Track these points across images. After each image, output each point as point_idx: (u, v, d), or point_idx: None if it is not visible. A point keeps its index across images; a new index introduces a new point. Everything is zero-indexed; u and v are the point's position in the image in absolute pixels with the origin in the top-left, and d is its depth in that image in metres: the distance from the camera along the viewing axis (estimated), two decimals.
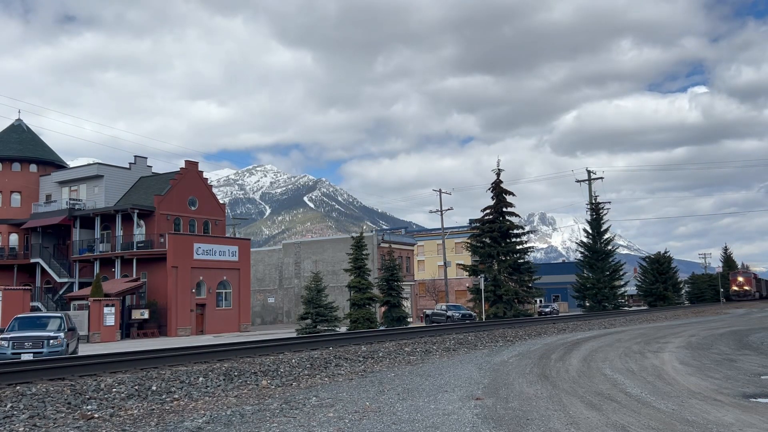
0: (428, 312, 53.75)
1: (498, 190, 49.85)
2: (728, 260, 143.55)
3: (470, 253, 54.01)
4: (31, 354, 18.90)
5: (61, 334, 20.23)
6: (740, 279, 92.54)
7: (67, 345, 20.29)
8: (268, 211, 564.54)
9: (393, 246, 56.95)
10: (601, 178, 62.57)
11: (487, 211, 50.18)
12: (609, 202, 61.87)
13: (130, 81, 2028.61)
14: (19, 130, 58.00)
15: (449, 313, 49.16)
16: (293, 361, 15.00)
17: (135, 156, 57.57)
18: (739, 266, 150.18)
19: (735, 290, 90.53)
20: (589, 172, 62.54)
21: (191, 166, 54.01)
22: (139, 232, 49.51)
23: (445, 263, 64.69)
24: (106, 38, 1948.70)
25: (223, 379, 12.29)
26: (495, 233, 48.72)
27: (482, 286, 45.34)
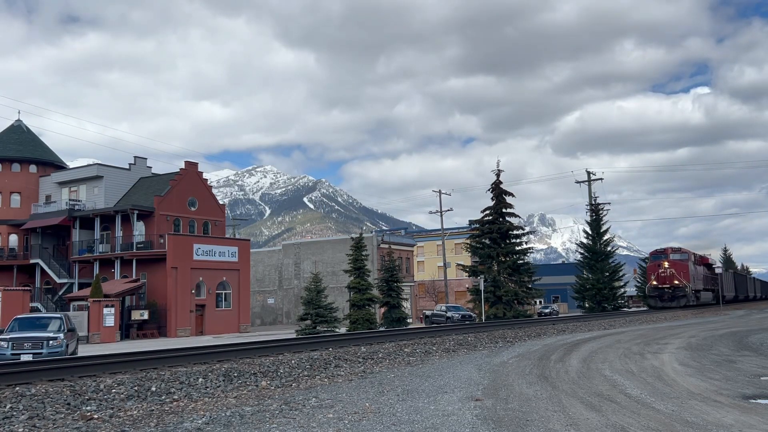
0: (428, 313, 53.78)
1: (498, 191, 49.90)
2: (728, 261, 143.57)
3: (470, 254, 54.03)
4: (31, 355, 18.91)
5: (61, 335, 20.24)
6: (665, 266, 52.26)
7: (67, 346, 20.29)
8: (268, 211, 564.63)
9: (393, 247, 56.96)
10: (601, 179, 62.62)
11: (487, 211, 50.22)
12: (609, 203, 61.84)
13: (133, 81, 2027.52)
14: (18, 130, 58.02)
15: (449, 314, 49.18)
16: (293, 362, 15.00)
17: (135, 157, 57.63)
18: (738, 267, 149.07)
19: (654, 287, 52.80)
20: (588, 173, 62.58)
21: (191, 166, 54.05)
22: (139, 233, 49.51)
23: (444, 264, 64.71)
24: (110, 39, 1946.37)
25: (223, 380, 12.29)
26: (495, 234, 48.74)
27: (482, 287, 45.36)
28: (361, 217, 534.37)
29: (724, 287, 66.11)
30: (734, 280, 75.61)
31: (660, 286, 52.45)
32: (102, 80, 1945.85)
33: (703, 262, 62.07)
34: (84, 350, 26.05)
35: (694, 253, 58.10)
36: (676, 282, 51.60)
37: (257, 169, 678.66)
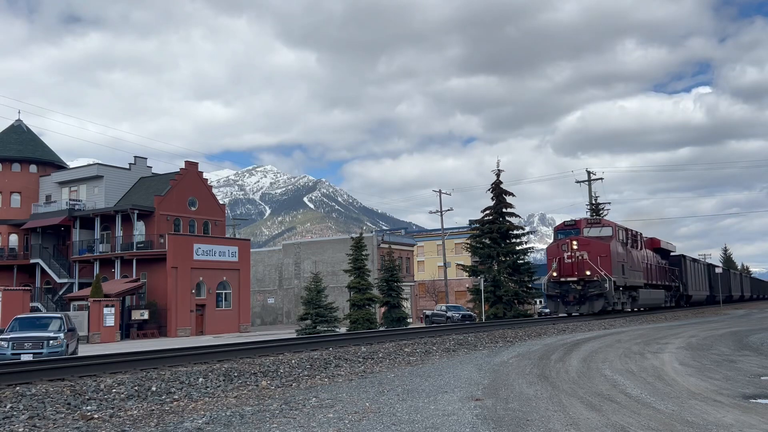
0: (428, 313, 53.83)
1: (498, 191, 49.89)
2: (728, 261, 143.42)
3: (470, 254, 54.03)
4: (31, 354, 18.93)
5: (61, 335, 20.27)
6: (573, 248, 35.04)
7: (67, 345, 20.32)
8: (268, 211, 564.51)
9: (393, 247, 56.96)
10: (601, 178, 62.55)
11: (487, 211, 50.21)
12: (609, 203, 61.66)
13: (135, 81, 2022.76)
14: (18, 130, 58.06)
15: (449, 313, 49.26)
16: (293, 361, 14.99)
17: (135, 156, 57.71)
18: (738, 266, 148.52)
19: (555, 281, 35.18)
20: (588, 172, 62.55)
21: (191, 166, 54.08)
22: (139, 233, 49.55)
23: (445, 264, 64.73)
24: (112, 38, 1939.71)
25: (223, 380, 12.29)
26: (495, 234, 48.73)
27: (482, 287, 45.36)
28: (361, 217, 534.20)
29: (690, 283, 50.85)
30: (709, 274, 59.81)
31: (564, 279, 34.49)
32: (103, 80, 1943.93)
33: (653, 246, 45.18)
34: (84, 350, 26.06)
35: (627, 229, 39.86)
36: (588, 273, 33.64)
37: (257, 169, 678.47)
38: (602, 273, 33.73)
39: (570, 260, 34.92)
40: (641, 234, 42.91)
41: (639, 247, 41.09)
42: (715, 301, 60.56)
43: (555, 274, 35.29)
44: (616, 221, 40.37)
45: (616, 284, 34.62)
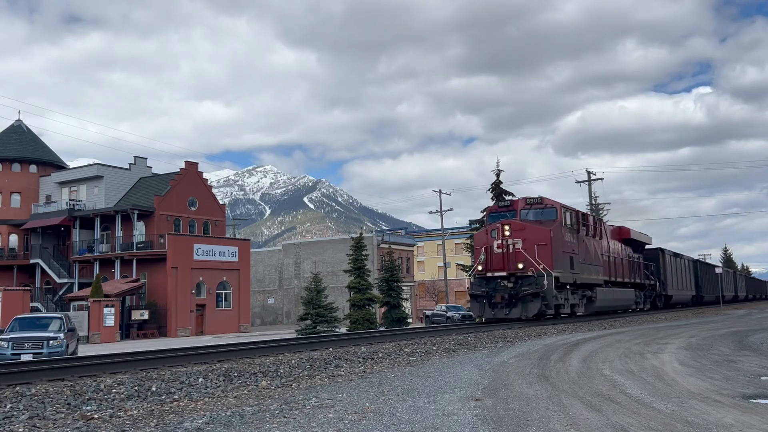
0: (428, 313, 53.83)
1: (498, 191, 49.93)
2: (728, 261, 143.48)
3: (470, 254, 54.04)
4: (31, 354, 18.96)
5: (61, 335, 20.30)
6: (505, 234, 26.94)
7: (67, 346, 20.34)
8: (268, 211, 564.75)
9: (393, 247, 56.98)
10: (601, 179, 62.58)
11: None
12: (609, 203, 61.38)
13: (135, 81, 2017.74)
14: (18, 130, 58.11)
15: (449, 313, 49.25)
16: (293, 361, 14.99)
17: (135, 156, 57.77)
18: (739, 267, 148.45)
19: (480, 276, 27.62)
20: (588, 172, 62.58)
21: (191, 166, 54.13)
22: (139, 233, 49.58)
23: (445, 264, 64.75)
24: (112, 38, 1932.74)
25: (223, 380, 12.29)
26: None
27: None
28: (361, 217, 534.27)
29: (669, 281, 44.52)
30: (695, 272, 53.34)
31: (492, 274, 27.53)
32: (104, 80, 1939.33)
33: (621, 236, 38.30)
34: (84, 350, 26.07)
35: (581, 213, 32.37)
36: (522, 266, 26.80)
37: (257, 169, 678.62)
38: (539, 266, 26.43)
39: (500, 250, 27.36)
40: (603, 220, 36.60)
41: (599, 236, 33.73)
42: (702, 303, 55.06)
43: (481, 267, 28.03)
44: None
45: (559, 281, 27.43)
